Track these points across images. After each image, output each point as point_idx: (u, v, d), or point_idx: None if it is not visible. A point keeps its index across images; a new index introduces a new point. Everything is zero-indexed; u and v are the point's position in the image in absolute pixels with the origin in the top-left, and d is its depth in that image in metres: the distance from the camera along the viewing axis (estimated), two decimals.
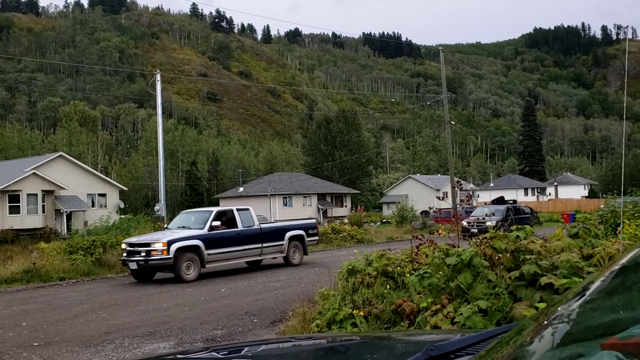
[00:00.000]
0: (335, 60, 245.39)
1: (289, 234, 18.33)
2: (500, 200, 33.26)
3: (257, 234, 17.47)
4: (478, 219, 28.63)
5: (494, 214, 28.17)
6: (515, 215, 29.04)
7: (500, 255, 5.77)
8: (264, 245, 17.46)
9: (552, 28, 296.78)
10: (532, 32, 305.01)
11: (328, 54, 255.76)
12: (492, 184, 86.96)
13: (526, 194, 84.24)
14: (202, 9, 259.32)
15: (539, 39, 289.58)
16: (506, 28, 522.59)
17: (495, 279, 5.45)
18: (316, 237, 19.95)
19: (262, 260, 18.28)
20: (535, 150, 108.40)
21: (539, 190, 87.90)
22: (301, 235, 18.79)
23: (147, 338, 8.37)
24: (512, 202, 33.04)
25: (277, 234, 18.16)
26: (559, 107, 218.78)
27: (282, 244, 18.06)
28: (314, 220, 20.45)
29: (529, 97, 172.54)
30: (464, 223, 28.42)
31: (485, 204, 41.50)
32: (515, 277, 5.33)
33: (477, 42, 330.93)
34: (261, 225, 18.05)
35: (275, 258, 18.69)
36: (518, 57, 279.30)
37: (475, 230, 26.52)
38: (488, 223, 25.68)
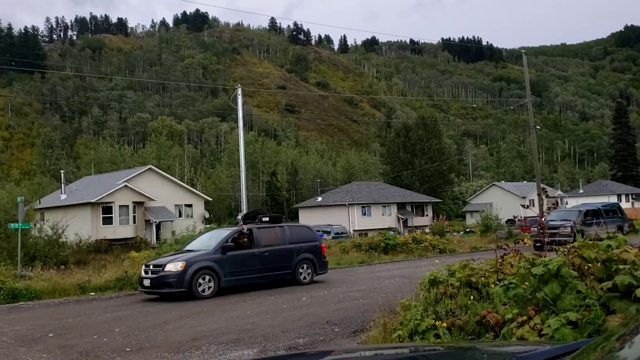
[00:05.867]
0: (413, 67, 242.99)
1: None
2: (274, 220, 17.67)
3: None
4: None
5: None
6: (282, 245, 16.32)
7: (590, 265, 5.50)
8: None
9: None
10: (622, 30, 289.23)
11: (406, 61, 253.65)
12: (581, 191, 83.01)
13: (619, 200, 79.76)
14: (280, 23, 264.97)
15: (630, 37, 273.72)
16: (593, 27, 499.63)
17: (585, 289, 5.20)
18: None
19: None
20: (628, 154, 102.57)
21: (633, 197, 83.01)
22: None
23: (232, 345, 8.58)
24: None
25: None
26: None
27: None
28: None
29: (620, 99, 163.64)
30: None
31: None
32: (607, 288, 5.06)
33: (562, 44, 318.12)
34: None
35: None
36: (607, 57, 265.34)
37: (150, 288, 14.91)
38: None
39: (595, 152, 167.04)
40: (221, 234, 16.45)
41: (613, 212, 29.82)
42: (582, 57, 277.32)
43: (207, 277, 14.62)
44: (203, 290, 14.44)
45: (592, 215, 27.47)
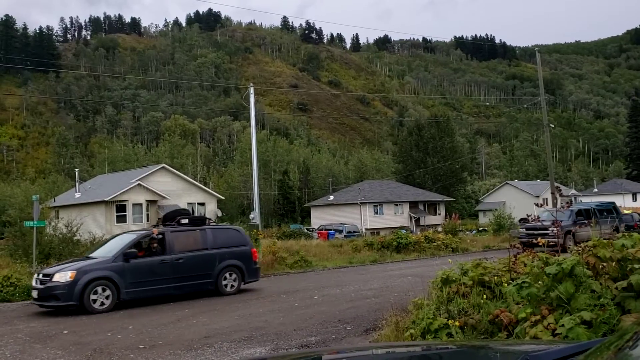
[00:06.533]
0: (426, 65, 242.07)
1: None
2: None
3: None
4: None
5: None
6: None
7: (604, 264, 5.46)
8: None
9: None
10: (638, 27, 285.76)
11: (418, 59, 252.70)
12: (595, 189, 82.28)
13: (635, 199, 78.96)
14: (292, 22, 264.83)
15: None
16: (608, 25, 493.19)
17: (600, 289, 5.16)
18: None
19: None
20: None
21: None
22: None
23: (244, 343, 8.62)
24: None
25: None
26: None
27: None
28: None
29: (635, 97, 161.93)
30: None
31: None
32: (622, 288, 5.02)
33: (576, 41, 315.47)
34: None
35: None
36: (622, 54, 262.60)
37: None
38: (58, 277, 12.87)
39: (610, 150, 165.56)
40: (127, 238, 14.46)
41: (608, 211, 28.01)
42: (597, 55, 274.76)
43: (104, 289, 12.88)
44: (97, 304, 12.77)
45: (584, 215, 25.83)
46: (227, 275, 14.94)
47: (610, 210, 28.48)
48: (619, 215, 28.78)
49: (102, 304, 12.83)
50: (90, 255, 14.46)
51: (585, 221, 24.32)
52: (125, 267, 13.29)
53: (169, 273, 13.90)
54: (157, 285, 13.69)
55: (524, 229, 26.10)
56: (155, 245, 14.18)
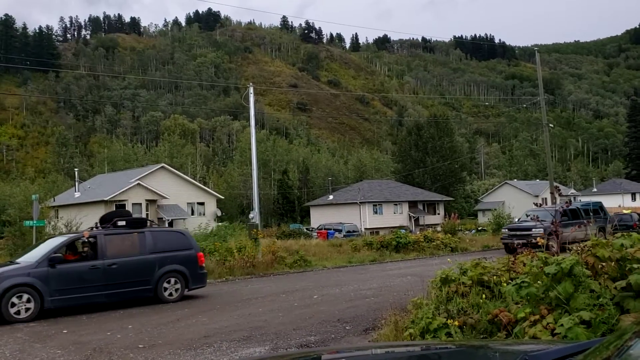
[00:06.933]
0: (425, 65, 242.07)
1: None
2: None
3: None
4: None
5: None
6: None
7: (603, 264, 5.46)
8: None
9: None
10: (637, 26, 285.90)
11: (418, 59, 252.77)
12: (595, 189, 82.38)
13: (634, 199, 79.03)
14: (292, 22, 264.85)
15: None
16: (607, 25, 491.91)
17: (599, 289, 5.16)
18: None
19: None
20: None
21: None
22: None
23: (243, 342, 8.62)
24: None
25: None
26: None
27: None
28: None
29: (635, 96, 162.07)
30: None
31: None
32: (621, 288, 5.03)
33: (575, 41, 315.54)
34: None
35: None
36: (622, 54, 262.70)
37: None
38: None
39: (609, 150, 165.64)
40: (55, 242, 13.35)
41: (594, 211, 27.11)
42: (596, 55, 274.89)
43: (25, 296, 11.80)
44: (18, 313, 11.68)
45: (569, 215, 24.39)
46: (168, 281, 13.90)
47: (597, 210, 27.94)
48: (606, 215, 28.26)
49: (26, 310, 11.83)
50: (16, 261, 13.44)
51: (570, 221, 23.00)
52: (50, 272, 12.26)
53: (100, 279, 12.88)
54: (86, 293, 12.70)
55: (506, 230, 25.49)
56: (86, 249, 13.24)
